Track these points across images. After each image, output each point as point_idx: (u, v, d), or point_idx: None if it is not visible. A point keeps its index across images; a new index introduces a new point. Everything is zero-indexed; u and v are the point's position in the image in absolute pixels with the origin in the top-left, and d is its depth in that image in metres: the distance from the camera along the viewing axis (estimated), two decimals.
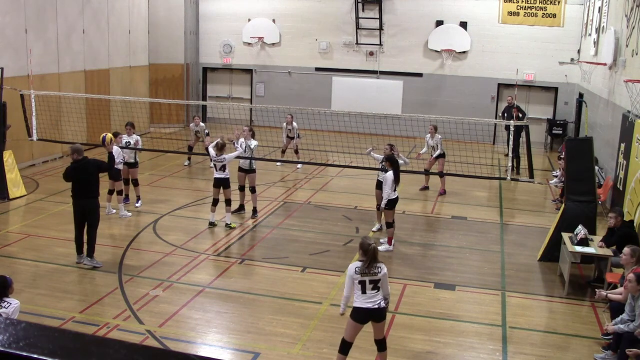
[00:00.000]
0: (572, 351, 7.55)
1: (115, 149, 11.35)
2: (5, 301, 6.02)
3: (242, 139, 12.00)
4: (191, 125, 16.67)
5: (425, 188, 14.93)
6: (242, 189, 12.38)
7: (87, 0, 17.89)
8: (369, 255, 6.25)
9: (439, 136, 14.57)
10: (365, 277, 6.26)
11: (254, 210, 12.32)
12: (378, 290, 6.29)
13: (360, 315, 6.33)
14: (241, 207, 12.46)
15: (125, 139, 12.52)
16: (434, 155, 14.59)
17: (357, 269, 6.29)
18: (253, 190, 12.31)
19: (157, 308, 8.17)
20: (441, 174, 14.19)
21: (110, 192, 12.17)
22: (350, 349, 6.50)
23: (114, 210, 12.18)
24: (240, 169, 12.30)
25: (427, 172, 14.44)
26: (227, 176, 11.47)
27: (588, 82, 18.11)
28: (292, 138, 16.63)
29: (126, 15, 20.06)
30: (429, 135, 14.66)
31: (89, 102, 17.71)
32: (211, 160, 11.79)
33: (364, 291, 6.26)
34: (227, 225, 11.55)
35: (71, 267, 9.54)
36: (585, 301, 9.00)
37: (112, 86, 19.30)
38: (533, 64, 21.01)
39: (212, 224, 11.63)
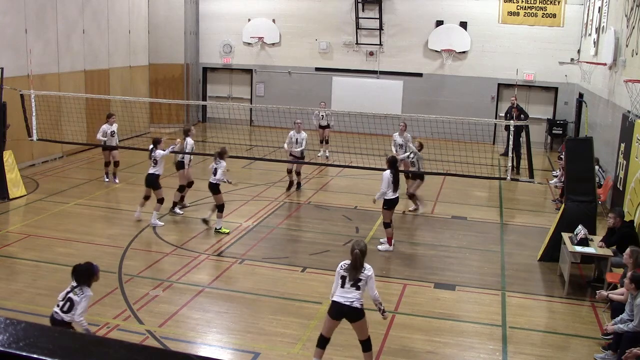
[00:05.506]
0: (572, 351, 7.55)
1: (159, 152, 11.48)
2: (81, 289, 6.21)
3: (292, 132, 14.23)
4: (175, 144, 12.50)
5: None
6: (290, 171, 14.46)
7: (87, 0, 17.90)
8: (352, 259, 6.40)
9: (409, 135, 14.07)
10: (347, 272, 6.39)
11: (298, 184, 14.65)
12: (357, 289, 6.37)
13: (334, 310, 6.43)
14: (292, 184, 14.59)
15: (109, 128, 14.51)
16: (401, 157, 13.08)
17: (342, 265, 6.47)
18: (299, 174, 14.60)
19: (157, 308, 8.17)
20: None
21: (146, 198, 11.82)
22: (327, 343, 6.57)
23: (139, 213, 11.90)
24: (293, 156, 14.24)
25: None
26: (216, 182, 11.19)
27: (588, 82, 18.10)
28: (325, 127, 17.68)
29: (126, 15, 20.06)
30: (397, 133, 14.13)
31: (89, 102, 17.70)
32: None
33: (342, 285, 6.39)
34: (216, 230, 11.31)
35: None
36: (585, 301, 9.00)
37: (112, 86, 19.31)
38: (533, 64, 21.01)
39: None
